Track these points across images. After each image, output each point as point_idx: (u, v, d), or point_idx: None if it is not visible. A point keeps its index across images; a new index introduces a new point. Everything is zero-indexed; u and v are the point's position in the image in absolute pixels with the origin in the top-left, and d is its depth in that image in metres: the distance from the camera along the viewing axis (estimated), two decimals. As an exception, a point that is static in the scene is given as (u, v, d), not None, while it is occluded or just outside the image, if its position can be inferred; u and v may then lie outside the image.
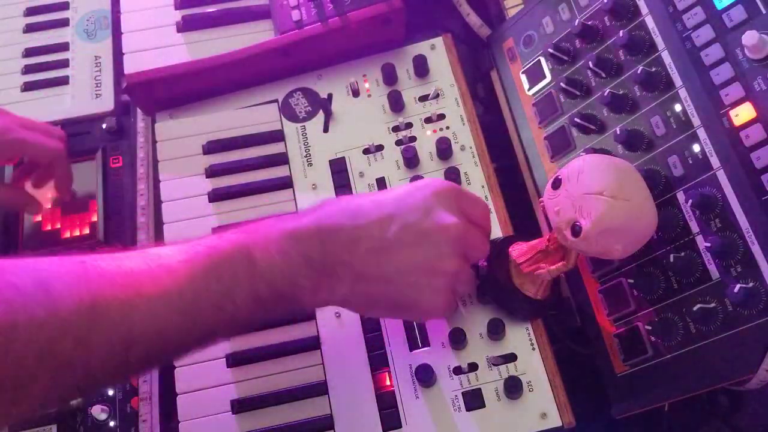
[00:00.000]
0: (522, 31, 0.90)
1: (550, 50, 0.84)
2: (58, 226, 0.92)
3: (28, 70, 1.03)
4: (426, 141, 0.88)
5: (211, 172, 0.89)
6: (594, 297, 0.77)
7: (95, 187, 0.94)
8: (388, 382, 0.77)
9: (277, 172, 0.89)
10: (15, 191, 0.90)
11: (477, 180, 0.86)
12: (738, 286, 0.64)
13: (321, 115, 0.92)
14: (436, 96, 0.91)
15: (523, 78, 0.89)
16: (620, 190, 0.67)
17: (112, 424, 0.82)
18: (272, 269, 0.63)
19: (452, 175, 0.84)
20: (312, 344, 0.80)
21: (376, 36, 0.92)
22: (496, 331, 0.77)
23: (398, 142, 0.89)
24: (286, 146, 0.91)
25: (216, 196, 0.88)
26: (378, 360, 0.78)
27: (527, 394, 0.75)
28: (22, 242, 0.91)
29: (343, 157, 0.89)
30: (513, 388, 0.74)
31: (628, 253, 0.70)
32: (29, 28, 1.06)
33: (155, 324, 0.58)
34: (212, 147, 0.91)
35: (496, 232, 0.83)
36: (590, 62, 0.79)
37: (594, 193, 0.67)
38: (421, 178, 0.85)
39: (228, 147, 0.91)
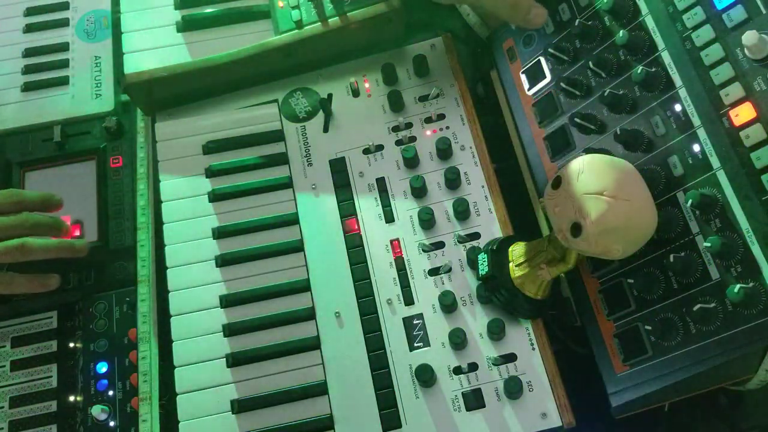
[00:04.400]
0: (522, 31, 0.90)
1: (550, 50, 0.84)
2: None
3: (28, 70, 1.03)
4: (426, 141, 0.88)
5: (211, 172, 0.89)
6: (594, 297, 0.77)
7: (95, 186, 0.95)
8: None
9: (277, 172, 0.89)
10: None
11: (477, 180, 0.86)
12: (738, 286, 0.64)
13: (321, 115, 0.92)
14: (436, 96, 0.91)
15: (523, 78, 0.89)
16: (620, 190, 0.67)
17: (112, 424, 0.82)
18: None
19: (452, 175, 0.84)
20: (312, 344, 0.80)
21: (376, 36, 0.92)
22: (496, 331, 0.77)
23: (398, 142, 0.89)
24: (286, 146, 0.91)
25: (216, 196, 0.88)
26: (378, 360, 0.78)
27: (527, 394, 0.75)
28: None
29: (343, 157, 0.89)
30: (513, 388, 0.74)
31: (628, 253, 0.70)
32: (29, 28, 1.06)
33: None
34: (212, 147, 0.91)
35: (496, 232, 0.83)
36: (590, 62, 0.79)
37: (594, 193, 0.67)
38: (422, 178, 0.85)
39: (228, 147, 0.91)
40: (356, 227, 0.84)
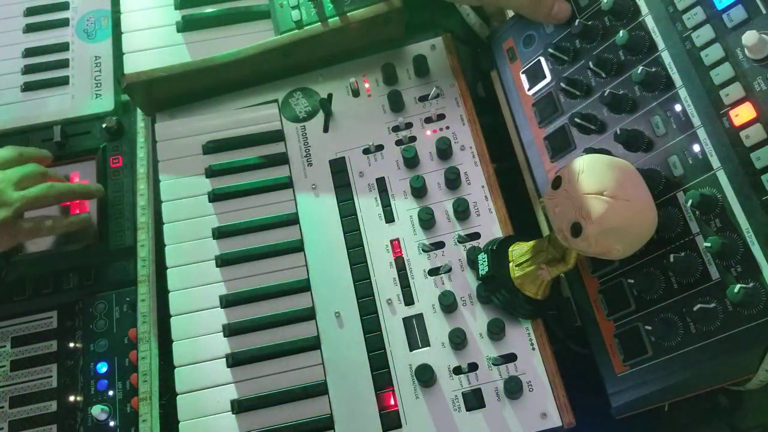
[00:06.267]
0: (522, 31, 0.90)
1: (550, 50, 0.84)
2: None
3: (28, 70, 1.03)
4: (426, 141, 0.88)
5: (211, 172, 0.89)
6: (594, 297, 0.77)
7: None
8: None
9: (277, 172, 0.89)
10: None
11: (477, 180, 0.86)
12: (738, 286, 0.64)
13: (321, 115, 0.92)
14: (436, 96, 0.91)
15: (523, 78, 0.89)
16: (620, 190, 0.67)
17: (112, 424, 0.82)
18: None
19: (452, 175, 0.84)
20: (312, 344, 0.80)
21: (376, 36, 0.92)
22: (496, 331, 0.77)
23: (398, 142, 0.89)
24: (286, 146, 0.91)
25: (216, 196, 0.88)
26: (378, 360, 0.78)
27: (527, 394, 0.75)
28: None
29: (343, 157, 0.89)
30: (513, 388, 0.74)
31: (628, 253, 0.70)
32: (29, 28, 1.06)
33: None
34: (212, 147, 0.91)
35: (496, 232, 0.83)
36: (590, 62, 0.79)
37: (594, 193, 0.67)
38: (422, 178, 0.85)
39: (228, 147, 0.91)
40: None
